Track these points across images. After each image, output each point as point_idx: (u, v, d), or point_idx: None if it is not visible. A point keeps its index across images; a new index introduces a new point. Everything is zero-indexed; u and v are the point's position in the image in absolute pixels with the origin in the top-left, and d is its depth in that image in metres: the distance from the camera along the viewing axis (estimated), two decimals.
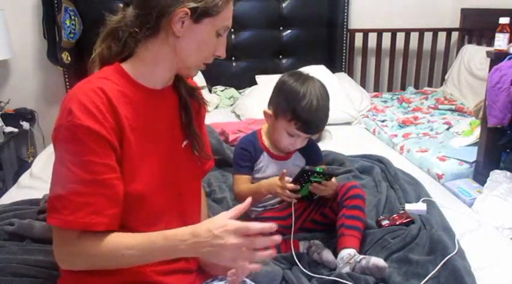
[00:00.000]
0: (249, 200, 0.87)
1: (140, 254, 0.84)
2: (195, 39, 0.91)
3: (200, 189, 1.14)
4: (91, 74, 0.91)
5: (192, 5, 0.87)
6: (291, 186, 1.23)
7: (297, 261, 1.19)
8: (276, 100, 1.34)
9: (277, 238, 0.83)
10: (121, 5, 0.94)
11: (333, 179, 1.26)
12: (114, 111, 0.86)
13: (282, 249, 1.25)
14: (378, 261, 1.16)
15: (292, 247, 1.21)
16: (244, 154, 1.37)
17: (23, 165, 2.68)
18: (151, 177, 0.93)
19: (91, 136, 0.82)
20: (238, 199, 1.37)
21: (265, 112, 1.37)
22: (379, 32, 3.22)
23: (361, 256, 1.20)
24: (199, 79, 2.85)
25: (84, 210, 0.82)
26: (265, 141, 1.40)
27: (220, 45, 0.96)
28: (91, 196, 0.82)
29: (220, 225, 0.80)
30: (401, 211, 1.47)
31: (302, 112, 1.27)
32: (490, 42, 2.75)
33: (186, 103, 1.02)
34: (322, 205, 1.41)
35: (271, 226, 0.81)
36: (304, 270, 1.18)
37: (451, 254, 1.18)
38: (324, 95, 1.31)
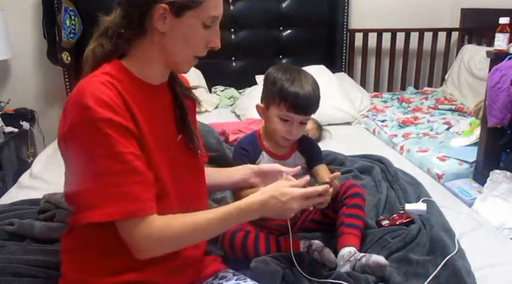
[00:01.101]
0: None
1: (220, 225, 0.94)
2: (180, 34, 0.90)
3: (204, 179, 1.13)
4: (86, 72, 0.92)
5: None
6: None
7: (296, 263, 1.18)
8: (264, 91, 1.37)
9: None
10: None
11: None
12: (126, 104, 0.87)
13: (282, 248, 1.25)
14: (378, 258, 1.16)
15: (292, 247, 1.21)
16: (244, 154, 1.37)
17: (23, 165, 2.68)
18: (162, 168, 0.94)
19: (114, 128, 0.83)
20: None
21: (257, 107, 1.38)
22: (379, 32, 3.22)
23: (362, 254, 1.20)
24: (198, 79, 2.85)
25: (124, 200, 0.83)
26: (265, 141, 1.40)
27: (213, 36, 0.94)
28: (127, 185, 0.84)
29: (285, 193, 0.96)
30: (401, 211, 1.47)
31: (287, 91, 1.28)
32: (490, 42, 2.75)
33: (180, 100, 1.03)
34: None
35: (326, 187, 1.03)
36: (303, 274, 1.17)
37: (451, 255, 1.18)
38: (309, 78, 1.33)
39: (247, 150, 1.37)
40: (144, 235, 0.85)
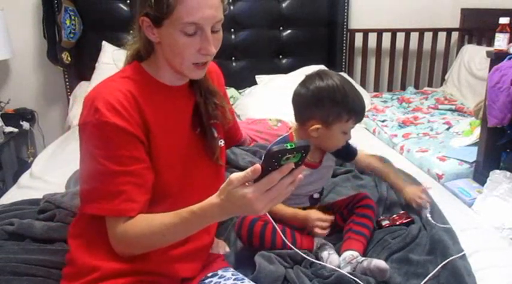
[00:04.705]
0: (257, 167, 0.75)
1: (178, 230, 0.88)
2: (166, 43, 0.92)
3: (220, 177, 1.13)
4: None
5: (146, 10, 0.89)
6: (329, 217, 1.29)
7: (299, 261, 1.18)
8: (322, 111, 1.28)
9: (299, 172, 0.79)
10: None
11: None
12: (139, 108, 0.92)
13: (298, 244, 1.26)
14: (379, 263, 1.16)
15: (292, 246, 1.21)
16: None
17: (23, 165, 2.68)
18: (174, 168, 0.98)
19: (118, 133, 0.88)
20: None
21: (312, 130, 1.29)
22: (379, 32, 3.22)
23: (363, 258, 1.20)
24: None
25: (118, 198, 0.89)
26: None
27: (203, 43, 0.91)
28: (123, 185, 0.89)
29: (237, 197, 0.77)
30: (402, 211, 1.47)
31: (353, 105, 1.27)
32: (490, 42, 2.75)
33: (198, 106, 1.05)
34: (332, 211, 1.42)
35: (288, 166, 0.76)
36: (305, 274, 1.17)
37: (454, 256, 1.17)
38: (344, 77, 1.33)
39: None
40: (124, 233, 0.90)
